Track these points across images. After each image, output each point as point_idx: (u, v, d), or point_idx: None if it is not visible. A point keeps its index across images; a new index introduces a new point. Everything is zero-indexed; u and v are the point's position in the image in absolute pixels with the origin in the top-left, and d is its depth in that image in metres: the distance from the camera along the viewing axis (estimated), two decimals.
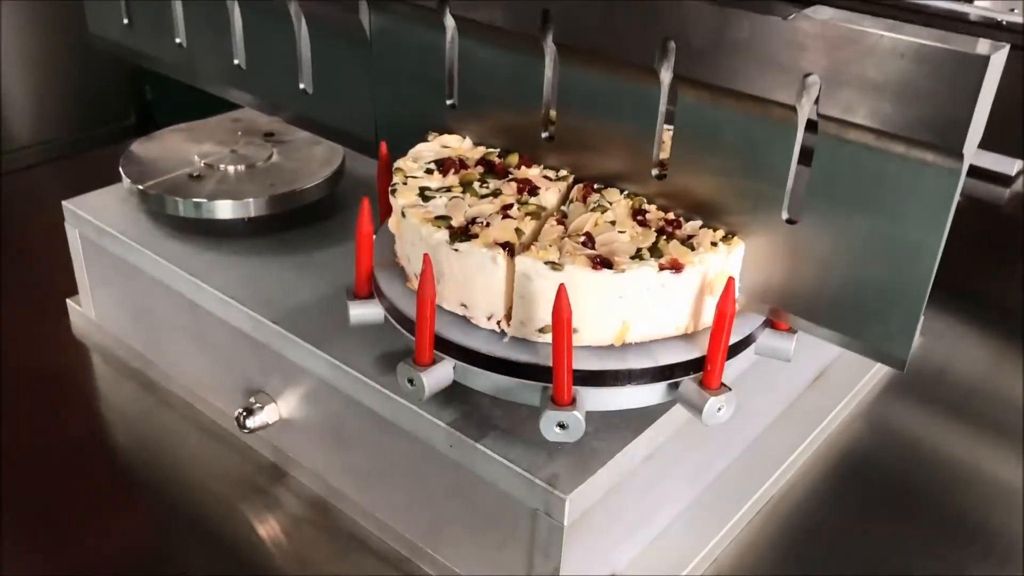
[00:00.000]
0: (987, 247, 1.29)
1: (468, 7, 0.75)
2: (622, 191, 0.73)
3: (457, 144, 0.81)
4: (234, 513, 0.84)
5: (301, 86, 0.93)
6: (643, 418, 0.70)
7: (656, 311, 0.66)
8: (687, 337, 0.68)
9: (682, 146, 0.68)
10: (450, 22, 0.77)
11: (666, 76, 0.66)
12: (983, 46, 0.53)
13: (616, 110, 0.70)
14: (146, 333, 0.99)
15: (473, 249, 0.66)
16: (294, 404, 0.84)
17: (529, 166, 0.77)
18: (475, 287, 0.67)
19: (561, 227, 0.69)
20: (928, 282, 0.60)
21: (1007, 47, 0.53)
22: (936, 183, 0.57)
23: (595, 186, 0.74)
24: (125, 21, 1.08)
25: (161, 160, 1.01)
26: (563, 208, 0.72)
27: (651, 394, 0.67)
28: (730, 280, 0.63)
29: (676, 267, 0.64)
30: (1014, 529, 0.83)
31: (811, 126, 0.61)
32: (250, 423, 0.84)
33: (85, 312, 1.05)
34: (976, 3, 1.34)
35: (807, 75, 0.59)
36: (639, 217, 0.70)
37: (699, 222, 0.69)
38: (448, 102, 0.81)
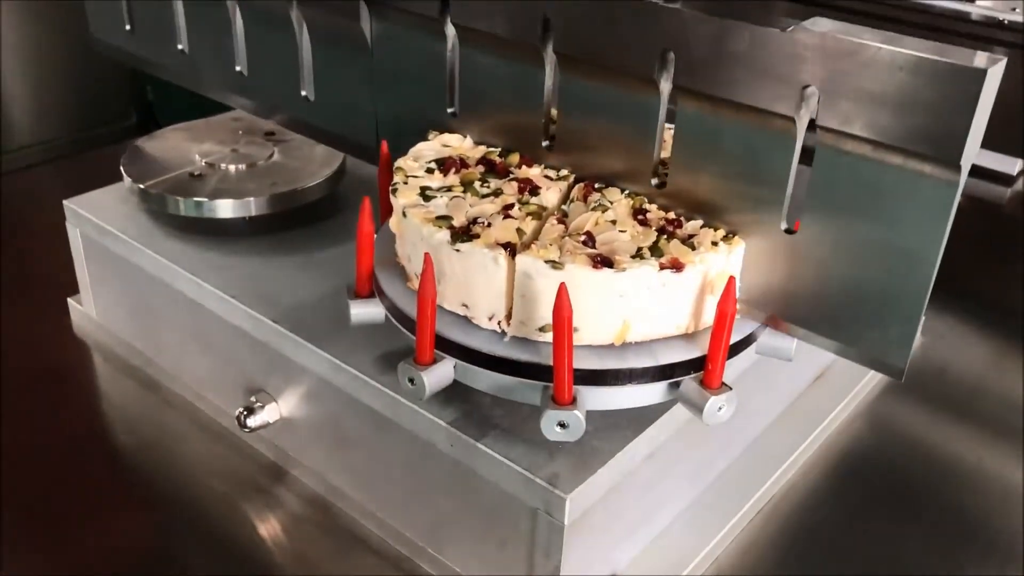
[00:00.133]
0: (988, 247, 1.29)
1: (469, 16, 0.75)
2: (623, 190, 0.73)
3: (458, 143, 0.81)
4: (235, 512, 0.84)
5: (303, 93, 0.93)
6: (644, 417, 0.70)
7: (657, 310, 0.66)
8: (688, 336, 0.68)
9: (682, 152, 0.68)
10: (451, 31, 0.77)
11: (665, 86, 0.67)
12: (981, 59, 0.53)
13: (616, 119, 0.70)
14: (147, 332, 0.99)
15: (474, 250, 0.66)
16: (295, 403, 0.84)
17: (530, 165, 0.77)
18: (476, 287, 0.67)
19: (562, 226, 0.69)
20: (926, 292, 0.60)
21: (1004, 60, 0.53)
22: (934, 194, 0.57)
23: (596, 185, 0.74)
24: (127, 27, 1.08)
25: (162, 159, 1.01)
26: (564, 207, 0.72)
27: (652, 393, 0.67)
28: (731, 279, 0.63)
29: (677, 266, 0.64)
30: (1015, 529, 0.83)
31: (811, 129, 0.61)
32: (251, 422, 0.85)
33: (86, 311, 1.05)
34: (978, 3, 1.34)
35: (806, 87, 0.59)
36: (640, 216, 0.70)
37: (700, 221, 0.69)
38: (449, 110, 0.81)
